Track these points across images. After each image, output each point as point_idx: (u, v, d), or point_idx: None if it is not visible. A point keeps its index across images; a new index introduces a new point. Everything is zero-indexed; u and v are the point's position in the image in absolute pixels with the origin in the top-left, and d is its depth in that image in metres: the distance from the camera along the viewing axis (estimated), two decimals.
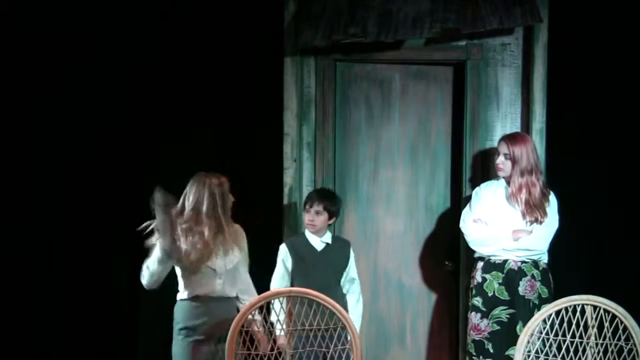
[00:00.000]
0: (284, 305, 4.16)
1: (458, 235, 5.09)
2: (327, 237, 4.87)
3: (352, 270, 4.91)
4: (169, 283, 5.34)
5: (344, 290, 4.89)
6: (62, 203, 5.52)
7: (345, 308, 4.82)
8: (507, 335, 4.72)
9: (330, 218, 4.85)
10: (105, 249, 5.58)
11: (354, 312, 4.88)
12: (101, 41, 5.47)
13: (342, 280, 4.89)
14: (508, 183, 4.88)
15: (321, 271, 4.80)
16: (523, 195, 4.79)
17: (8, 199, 5.48)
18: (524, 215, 4.79)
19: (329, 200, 4.84)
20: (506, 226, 4.81)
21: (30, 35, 5.47)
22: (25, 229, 5.49)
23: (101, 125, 5.52)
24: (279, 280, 4.85)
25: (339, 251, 4.88)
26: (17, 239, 5.48)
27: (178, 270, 4.55)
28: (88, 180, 5.52)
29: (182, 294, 4.56)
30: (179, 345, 4.50)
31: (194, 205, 4.46)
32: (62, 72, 5.48)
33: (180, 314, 4.54)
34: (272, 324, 4.32)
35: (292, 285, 4.78)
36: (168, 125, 5.52)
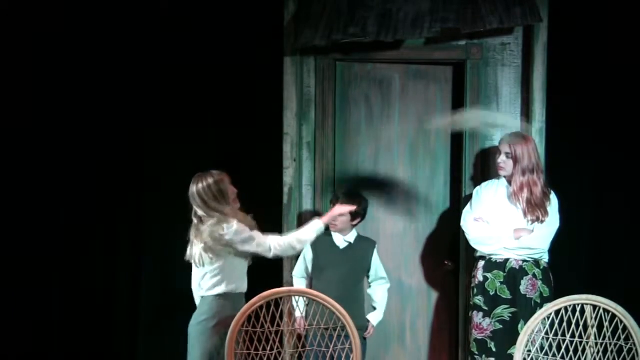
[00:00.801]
0: (286, 304, 4.18)
1: (458, 234, 5.09)
2: (351, 237, 4.90)
3: (380, 271, 4.95)
4: (168, 283, 5.36)
5: (373, 285, 4.96)
6: (62, 203, 5.52)
7: (363, 307, 4.89)
8: (509, 334, 4.72)
9: (353, 219, 4.87)
10: (105, 249, 5.57)
11: (380, 300, 4.95)
12: (101, 40, 5.48)
13: (371, 280, 4.95)
14: (509, 182, 4.89)
15: (341, 269, 4.83)
16: (525, 194, 4.80)
17: (8, 199, 5.48)
18: (525, 214, 4.79)
19: (352, 201, 4.84)
20: (508, 225, 4.81)
21: (30, 35, 5.47)
22: (26, 229, 5.49)
23: (101, 125, 5.52)
24: (298, 273, 4.96)
25: (361, 251, 4.90)
26: (17, 239, 5.49)
27: (219, 265, 4.43)
28: (88, 180, 5.52)
29: (219, 289, 4.42)
30: (211, 343, 4.37)
31: (207, 205, 4.43)
32: (64, 73, 5.48)
33: (216, 309, 4.40)
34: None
35: (310, 281, 4.88)
36: (168, 125, 5.52)
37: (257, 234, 4.44)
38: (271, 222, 5.25)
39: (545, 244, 4.82)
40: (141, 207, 5.56)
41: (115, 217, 5.56)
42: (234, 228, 4.37)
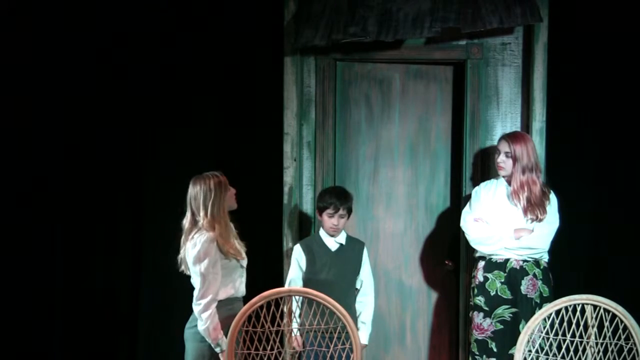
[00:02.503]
0: (288, 304, 4.17)
1: (458, 234, 5.09)
2: (342, 238, 4.86)
3: (363, 272, 4.87)
4: (168, 283, 5.36)
5: (361, 301, 4.88)
6: (62, 203, 5.52)
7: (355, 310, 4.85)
8: (510, 334, 4.72)
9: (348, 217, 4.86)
10: (105, 248, 5.57)
11: (367, 318, 4.86)
12: (101, 40, 5.48)
13: (360, 292, 4.89)
14: (508, 182, 4.89)
15: (334, 272, 4.79)
16: (525, 192, 4.80)
17: (9, 199, 5.48)
18: (525, 213, 4.79)
19: (350, 200, 4.81)
20: (508, 225, 4.82)
21: (30, 34, 5.47)
22: (26, 229, 5.49)
23: (101, 125, 5.52)
24: (293, 280, 4.84)
25: (352, 252, 4.87)
26: (18, 239, 5.49)
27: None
28: (88, 180, 5.52)
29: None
30: (201, 346, 4.37)
31: (206, 206, 4.41)
32: (63, 71, 5.48)
33: None
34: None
35: (304, 286, 4.77)
36: (168, 125, 5.52)
37: (210, 279, 4.31)
38: (271, 222, 5.27)
39: (546, 244, 4.82)
40: (141, 207, 5.56)
41: (115, 217, 5.56)
42: (203, 241, 4.31)
